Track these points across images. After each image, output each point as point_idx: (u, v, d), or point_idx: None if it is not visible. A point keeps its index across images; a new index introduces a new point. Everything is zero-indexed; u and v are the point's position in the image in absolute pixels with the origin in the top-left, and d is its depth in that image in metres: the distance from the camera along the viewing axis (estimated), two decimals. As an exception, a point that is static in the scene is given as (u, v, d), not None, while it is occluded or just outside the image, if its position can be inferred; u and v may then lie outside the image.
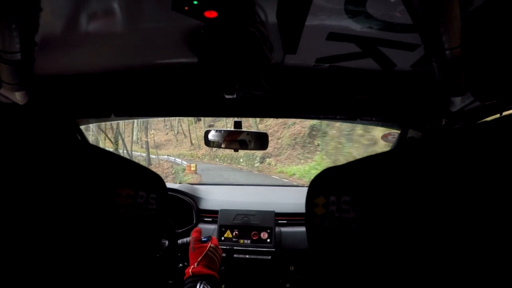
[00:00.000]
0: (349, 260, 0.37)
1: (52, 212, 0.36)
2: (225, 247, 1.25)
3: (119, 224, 0.41)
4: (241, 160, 14.27)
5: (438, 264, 0.29)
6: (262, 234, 1.29)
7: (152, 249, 0.47)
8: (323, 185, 0.41)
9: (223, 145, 1.28)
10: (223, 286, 1.27)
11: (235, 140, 1.25)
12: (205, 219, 1.38)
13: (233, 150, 1.28)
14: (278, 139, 12.90)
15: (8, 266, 0.33)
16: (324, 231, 0.39)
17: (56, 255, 0.36)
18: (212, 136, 1.30)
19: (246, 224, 1.31)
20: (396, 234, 0.32)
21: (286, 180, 10.31)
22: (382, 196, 0.33)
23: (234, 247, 1.26)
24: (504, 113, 0.73)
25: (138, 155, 19.04)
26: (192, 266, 0.87)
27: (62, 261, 0.36)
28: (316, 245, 0.42)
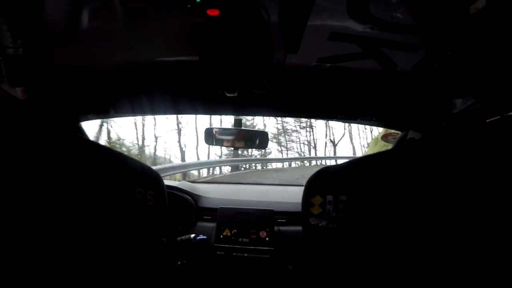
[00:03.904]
0: (345, 260, 0.37)
1: (51, 208, 0.36)
2: (223, 245, 1.26)
3: (117, 220, 0.41)
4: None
5: (436, 263, 0.29)
6: (261, 233, 1.30)
7: (150, 246, 0.47)
8: (320, 184, 0.41)
9: (224, 144, 1.28)
10: (221, 284, 1.27)
11: (236, 138, 1.26)
12: (204, 217, 1.38)
13: (232, 148, 1.28)
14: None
15: (8, 259, 0.34)
16: (321, 230, 0.39)
17: (55, 251, 0.36)
18: (212, 134, 1.30)
19: (245, 222, 1.31)
20: (393, 234, 0.32)
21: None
22: (379, 196, 0.33)
23: (233, 246, 1.26)
24: (505, 115, 0.73)
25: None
26: None
27: (61, 255, 0.36)
28: (312, 245, 0.42)
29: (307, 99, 0.96)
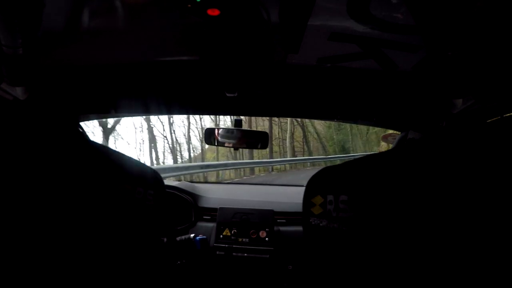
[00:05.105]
0: (346, 259, 0.37)
1: (51, 208, 0.36)
2: (223, 245, 1.26)
3: (117, 219, 0.41)
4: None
5: (435, 263, 0.29)
6: (260, 233, 1.30)
7: (150, 245, 0.48)
8: (321, 184, 0.41)
9: (226, 144, 1.28)
10: (221, 284, 1.27)
11: (236, 138, 1.26)
12: (204, 217, 1.38)
13: (233, 148, 1.29)
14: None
15: (10, 255, 0.34)
16: (321, 230, 0.39)
17: (55, 250, 0.36)
18: (213, 134, 1.30)
19: (245, 222, 1.31)
20: (394, 233, 0.32)
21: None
22: (379, 196, 0.33)
23: (233, 246, 1.26)
24: (505, 116, 0.73)
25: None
26: None
27: (61, 255, 0.36)
28: (313, 245, 0.42)
29: (307, 99, 0.96)
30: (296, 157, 15.09)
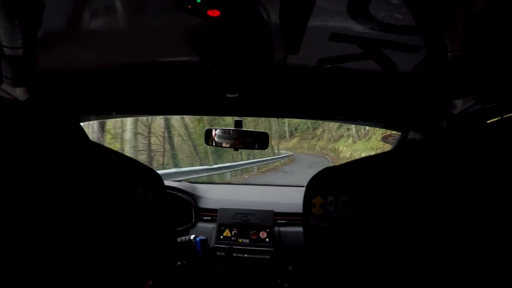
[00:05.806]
0: (346, 261, 0.37)
1: (51, 208, 0.36)
2: (224, 246, 1.26)
3: (117, 220, 0.41)
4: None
5: (435, 264, 0.29)
6: (261, 234, 1.30)
7: (150, 246, 0.47)
8: (321, 185, 0.41)
9: (224, 144, 1.28)
10: (221, 285, 1.27)
11: (236, 139, 1.26)
12: (204, 217, 1.38)
13: (233, 149, 1.29)
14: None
15: (9, 256, 0.34)
16: (322, 231, 0.39)
17: (55, 250, 0.36)
18: (213, 135, 1.30)
19: (245, 223, 1.31)
20: (394, 234, 0.32)
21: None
22: (380, 197, 0.33)
23: (233, 246, 1.26)
24: (505, 116, 0.73)
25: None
26: None
27: (61, 255, 0.36)
28: (313, 246, 0.42)
29: (308, 100, 0.96)
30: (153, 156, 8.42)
